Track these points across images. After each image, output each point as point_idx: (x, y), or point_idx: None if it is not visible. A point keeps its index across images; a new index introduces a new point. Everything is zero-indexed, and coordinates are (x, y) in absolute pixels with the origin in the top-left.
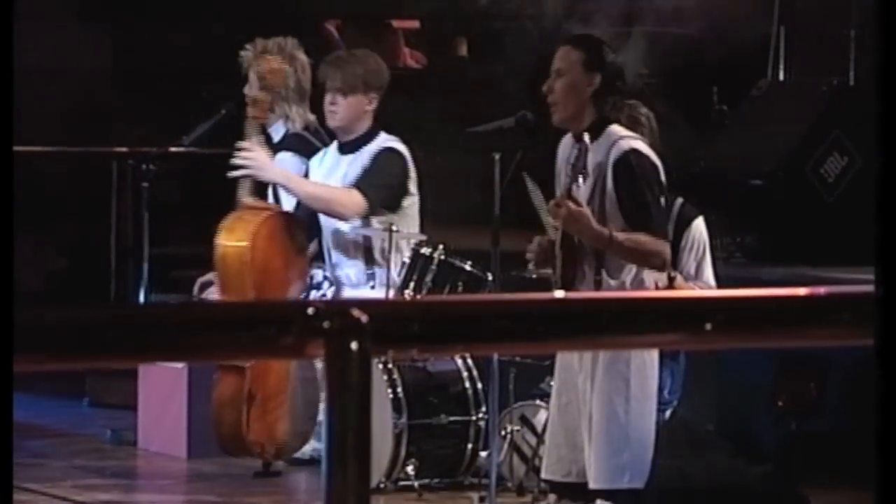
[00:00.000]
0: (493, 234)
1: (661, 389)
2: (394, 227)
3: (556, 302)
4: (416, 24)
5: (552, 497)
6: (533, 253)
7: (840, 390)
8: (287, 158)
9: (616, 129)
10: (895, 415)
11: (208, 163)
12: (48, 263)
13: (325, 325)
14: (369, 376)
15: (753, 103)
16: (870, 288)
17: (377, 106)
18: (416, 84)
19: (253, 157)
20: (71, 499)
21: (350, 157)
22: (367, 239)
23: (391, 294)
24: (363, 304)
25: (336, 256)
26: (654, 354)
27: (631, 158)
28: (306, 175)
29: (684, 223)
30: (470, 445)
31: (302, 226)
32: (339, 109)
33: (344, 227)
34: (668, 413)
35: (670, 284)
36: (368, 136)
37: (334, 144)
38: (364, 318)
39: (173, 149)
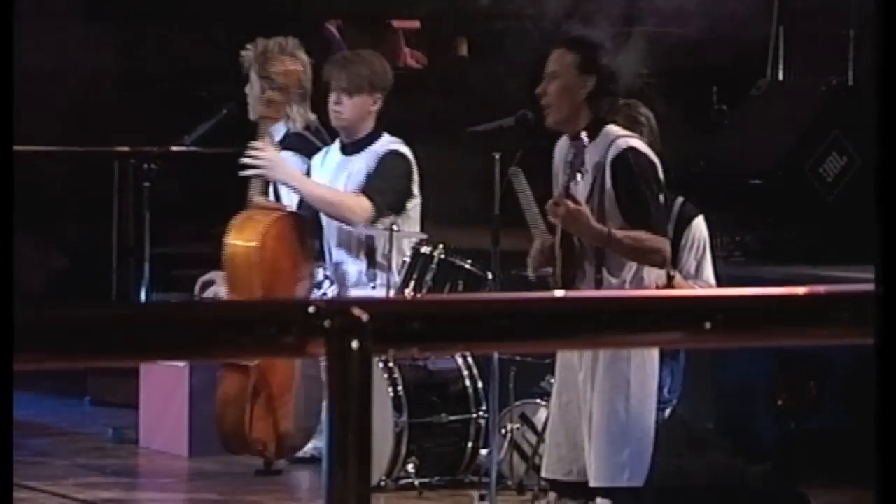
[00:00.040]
0: (493, 233)
1: (660, 388)
2: (394, 227)
3: (556, 301)
4: (416, 24)
5: (552, 495)
6: (533, 257)
7: (839, 389)
8: (288, 158)
9: (613, 128)
10: (895, 414)
11: (210, 162)
12: (50, 262)
13: (326, 324)
14: (370, 375)
15: (753, 103)
16: (869, 287)
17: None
18: (417, 84)
19: (265, 157)
20: (72, 497)
21: (353, 157)
22: (369, 238)
23: (392, 293)
24: (364, 303)
25: (337, 255)
26: (655, 353)
27: (629, 156)
28: (307, 174)
29: (685, 222)
30: (470, 444)
31: (310, 227)
32: (343, 110)
33: (345, 225)
34: (667, 412)
35: (669, 283)
36: (371, 137)
37: (336, 144)
38: (365, 317)
39: (175, 148)
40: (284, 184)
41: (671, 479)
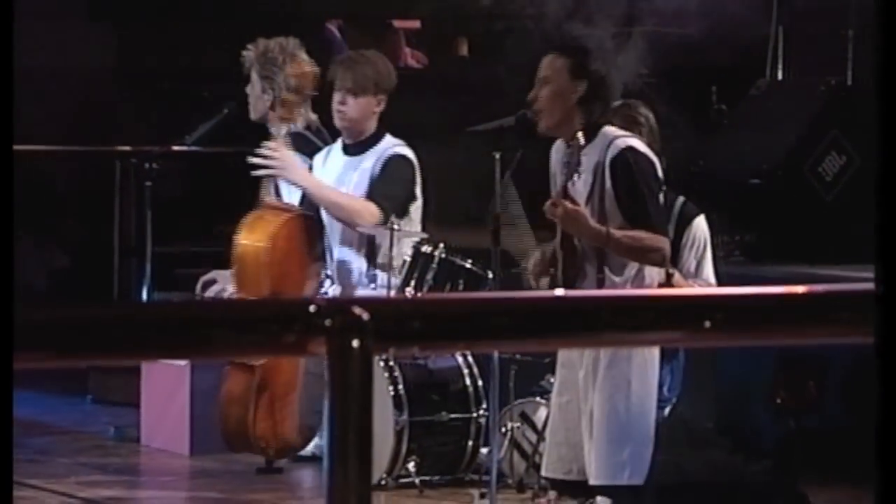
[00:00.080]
0: (493, 232)
1: (660, 386)
2: (395, 226)
3: (556, 300)
4: (416, 24)
5: (552, 493)
6: (533, 266)
7: (839, 388)
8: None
9: (611, 129)
10: (895, 412)
11: (211, 162)
12: (52, 261)
13: (327, 322)
14: (370, 374)
15: (752, 103)
16: (868, 286)
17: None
18: (417, 84)
19: (279, 157)
20: (74, 495)
21: (356, 158)
22: (370, 238)
23: (392, 292)
24: (364, 302)
25: (339, 254)
26: (655, 352)
27: (628, 156)
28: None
29: (685, 221)
30: (470, 442)
31: (319, 229)
32: (348, 110)
33: (347, 225)
34: (667, 410)
35: (668, 281)
36: (374, 138)
37: (338, 144)
38: (365, 316)
39: (176, 148)
40: (296, 185)
41: (671, 478)
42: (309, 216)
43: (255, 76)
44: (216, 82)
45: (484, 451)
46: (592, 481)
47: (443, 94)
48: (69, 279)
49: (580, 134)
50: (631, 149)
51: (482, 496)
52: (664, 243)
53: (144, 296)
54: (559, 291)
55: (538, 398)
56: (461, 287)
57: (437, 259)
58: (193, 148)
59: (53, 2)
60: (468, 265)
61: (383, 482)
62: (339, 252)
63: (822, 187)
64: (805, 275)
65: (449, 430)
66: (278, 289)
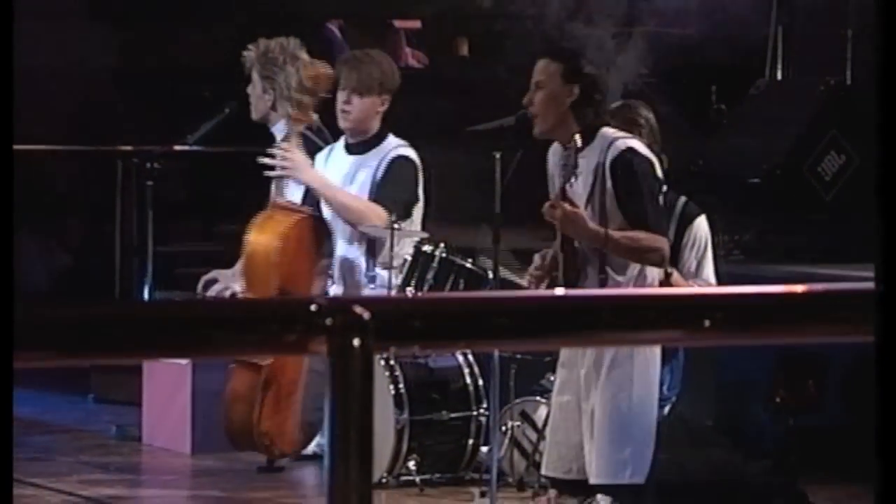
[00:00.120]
0: (493, 231)
1: (660, 385)
2: (396, 226)
3: (556, 299)
4: (417, 24)
5: (552, 492)
6: (533, 271)
7: (838, 386)
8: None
9: (609, 130)
10: (894, 411)
11: (212, 161)
12: (54, 261)
13: (328, 321)
14: (371, 373)
15: (752, 103)
16: (868, 285)
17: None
18: (418, 84)
19: (291, 159)
20: (76, 494)
21: (358, 157)
22: (370, 237)
23: (393, 292)
24: (365, 301)
25: (340, 253)
26: (657, 351)
27: (628, 157)
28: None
29: (686, 221)
30: (471, 441)
31: (328, 230)
32: (353, 109)
33: (348, 225)
34: (666, 409)
35: (667, 280)
36: (377, 138)
37: (341, 143)
38: (366, 315)
39: (177, 147)
40: (307, 186)
41: (671, 476)
42: (318, 217)
43: (255, 76)
44: (217, 82)
45: (484, 449)
46: (594, 480)
47: (443, 94)
48: (71, 278)
49: (577, 136)
50: (631, 150)
51: (482, 495)
52: (663, 243)
53: (146, 295)
54: (559, 291)
55: (538, 397)
56: (462, 286)
57: (437, 258)
58: (195, 148)
59: (54, 1)
60: (468, 265)
61: (384, 481)
62: (340, 251)
63: (821, 187)
64: (804, 274)
65: (449, 428)
66: (287, 288)
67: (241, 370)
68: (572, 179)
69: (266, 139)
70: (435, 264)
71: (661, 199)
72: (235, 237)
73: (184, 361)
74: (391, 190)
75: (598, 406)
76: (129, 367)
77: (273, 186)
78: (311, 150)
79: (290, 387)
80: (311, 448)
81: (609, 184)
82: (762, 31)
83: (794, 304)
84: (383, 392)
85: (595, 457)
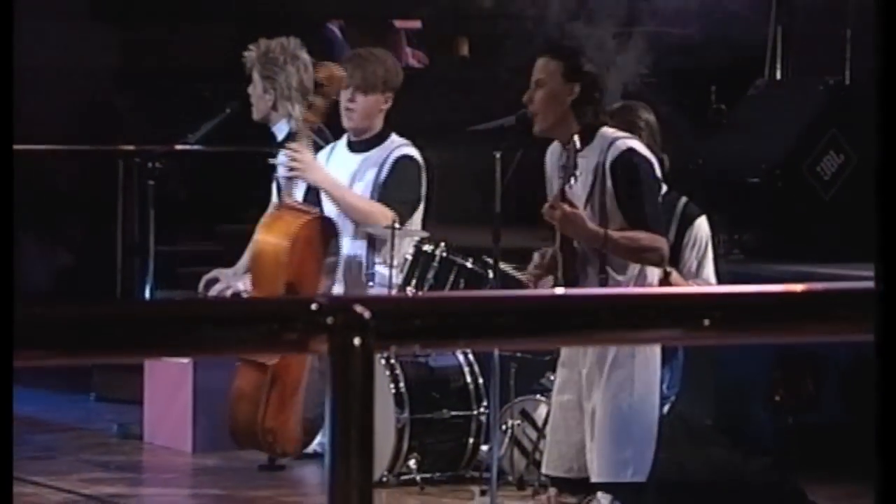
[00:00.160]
0: (493, 231)
1: (660, 384)
2: (396, 225)
3: (556, 298)
4: (418, 24)
5: (552, 491)
6: (533, 268)
7: (836, 385)
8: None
9: (609, 130)
10: (894, 410)
11: (213, 161)
12: (55, 260)
13: (329, 321)
14: (372, 372)
15: (751, 102)
16: (867, 284)
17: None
18: (419, 84)
19: (300, 159)
20: (77, 492)
21: (361, 155)
22: (371, 236)
23: (394, 291)
24: (366, 300)
25: (343, 250)
26: (657, 350)
27: (628, 157)
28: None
29: (687, 222)
30: (471, 440)
31: (336, 231)
32: (357, 107)
33: (350, 224)
34: (666, 408)
35: (666, 280)
36: (380, 137)
37: (343, 141)
38: (367, 314)
39: (179, 147)
40: (317, 186)
41: (671, 474)
42: (327, 218)
43: (256, 76)
44: (218, 82)
45: (484, 448)
46: (595, 478)
47: (444, 94)
48: (73, 277)
49: (576, 137)
50: (631, 150)
51: (483, 493)
52: (662, 243)
53: (147, 294)
54: (559, 290)
55: (538, 396)
56: (462, 285)
57: (437, 258)
58: (196, 147)
59: (56, 1)
60: (469, 264)
61: (385, 479)
62: (344, 249)
63: (820, 186)
64: (803, 273)
65: (450, 427)
66: (294, 288)
67: (247, 369)
68: (571, 180)
69: (267, 139)
70: (435, 264)
71: (660, 199)
72: (236, 236)
73: (185, 360)
74: (397, 190)
75: (600, 405)
76: (131, 365)
77: (282, 187)
78: (313, 150)
79: (295, 386)
80: (312, 447)
81: (609, 184)
82: (761, 32)
83: (793, 303)
84: (384, 391)
85: (596, 456)
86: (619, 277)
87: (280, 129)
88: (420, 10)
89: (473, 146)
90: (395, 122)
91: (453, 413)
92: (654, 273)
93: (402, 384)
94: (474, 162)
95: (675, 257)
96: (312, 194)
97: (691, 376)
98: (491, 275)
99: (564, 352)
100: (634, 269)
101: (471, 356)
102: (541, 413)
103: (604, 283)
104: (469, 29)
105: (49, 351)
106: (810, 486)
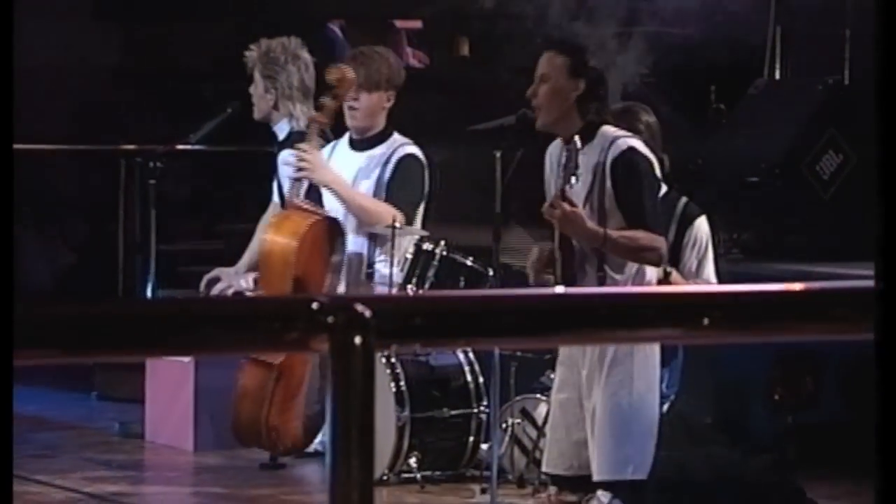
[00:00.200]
0: (494, 230)
1: (659, 383)
2: (397, 224)
3: (556, 297)
4: (418, 24)
5: (553, 489)
6: (532, 263)
7: (835, 384)
8: (291, 155)
9: (610, 129)
10: (894, 409)
11: (214, 160)
12: (57, 259)
13: (330, 319)
14: (373, 370)
15: (750, 102)
16: (865, 283)
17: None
18: (419, 83)
19: (309, 160)
20: (79, 490)
21: (364, 154)
22: (371, 235)
23: (394, 290)
24: (367, 299)
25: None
26: (657, 349)
27: (629, 157)
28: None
29: (687, 221)
30: (471, 438)
31: (342, 231)
32: (361, 105)
33: (350, 223)
34: (666, 406)
35: (665, 279)
36: (382, 135)
37: (344, 139)
38: (367, 313)
39: (180, 147)
40: (326, 187)
41: (670, 473)
42: (334, 219)
43: (257, 76)
44: (219, 82)
45: (484, 447)
46: (596, 477)
47: (444, 94)
48: (74, 277)
49: (577, 138)
50: (632, 149)
51: (483, 492)
52: (661, 243)
53: (149, 293)
54: (559, 289)
55: (539, 394)
56: (462, 284)
57: (438, 257)
58: (197, 147)
59: (59, 1)
60: (469, 263)
61: (385, 478)
62: (348, 247)
63: (819, 185)
64: (802, 272)
65: (450, 426)
66: (301, 287)
67: (252, 367)
68: (572, 180)
69: (269, 139)
70: (436, 262)
71: (659, 199)
72: (237, 235)
73: (186, 359)
74: (403, 190)
75: (600, 404)
76: (133, 364)
77: (290, 186)
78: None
79: (298, 383)
80: (313, 445)
81: (608, 183)
82: (761, 32)
83: (793, 302)
84: (384, 389)
85: (596, 454)
86: (617, 276)
87: (281, 129)
88: (420, 10)
89: (474, 146)
90: (396, 122)
91: (454, 411)
92: (651, 272)
93: (402, 383)
94: (474, 161)
95: (675, 257)
96: (314, 193)
97: (691, 375)
98: (491, 273)
99: (563, 350)
100: (632, 268)
101: (471, 355)
102: (541, 412)
103: (602, 282)
104: (469, 29)
105: (51, 350)
106: (810, 484)
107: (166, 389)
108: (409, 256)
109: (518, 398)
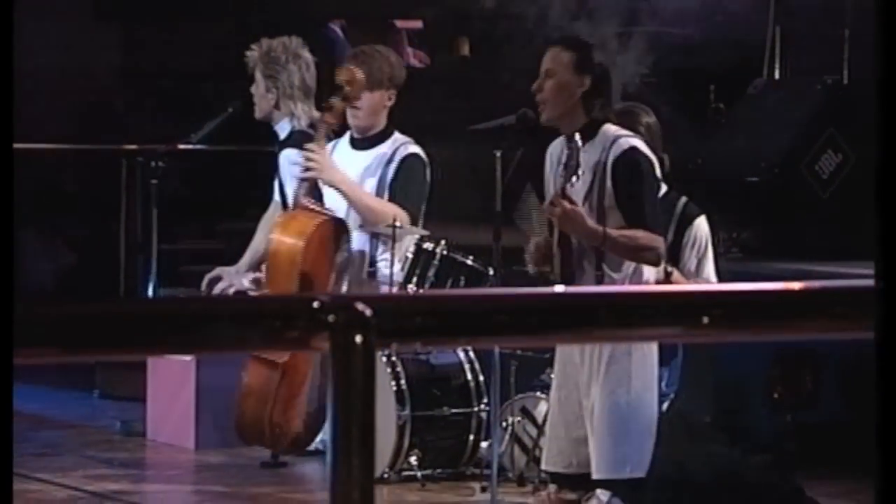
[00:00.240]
0: (494, 229)
1: (658, 382)
2: (397, 223)
3: (556, 296)
4: (419, 24)
5: (552, 487)
6: (531, 254)
7: (835, 382)
8: (292, 155)
9: (612, 127)
10: (893, 407)
11: (216, 160)
12: (59, 258)
13: (330, 318)
14: (373, 369)
15: (750, 102)
16: (864, 282)
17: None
18: (420, 83)
19: (317, 160)
20: (81, 489)
21: (365, 153)
22: (373, 234)
23: (395, 289)
24: (367, 298)
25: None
26: (654, 347)
27: (630, 156)
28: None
29: (687, 221)
30: (472, 437)
31: (348, 232)
32: (363, 104)
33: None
34: (665, 405)
35: (667, 279)
36: (383, 134)
37: (345, 139)
38: (368, 312)
39: (181, 146)
40: (333, 187)
41: (670, 471)
42: (340, 220)
43: (258, 76)
44: (220, 81)
45: (485, 445)
46: (595, 475)
47: (445, 93)
48: (76, 276)
49: (577, 136)
50: (634, 149)
51: (483, 490)
52: (659, 243)
53: (150, 292)
54: (559, 288)
55: (538, 393)
56: (462, 283)
57: (438, 256)
58: (199, 146)
59: (60, 2)
60: (469, 262)
61: (386, 476)
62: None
63: (818, 185)
64: (802, 271)
65: (450, 424)
66: (307, 287)
67: (257, 365)
68: (573, 178)
69: (269, 138)
70: (436, 261)
71: (658, 198)
72: (238, 235)
73: (188, 358)
74: (408, 190)
75: (598, 402)
76: (134, 363)
77: (297, 186)
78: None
79: (302, 382)
80: (314, 444)
81: (608, 182)
82: (760, 32)
83: (792, 301)
84: (385, 388)
85: (595, 452)
86: (615, 275)
87: (282, 128)
88: (421, 10)
89: (474, 145)
90: (397, 122)
91: (454, 410)
92: (649, 272)
93: (403, 381)
94: (475, 161)
95: (674, 257)
96: (315, 192)
97: (690, 374)
98: (492, 272)
99: (561, 348)
100: (629, 267)
101: (471, 353)
102: (541, 410)
103: (600, 281)
104: (470, 29)
105: (53, 348)
106: (809, 483)
107: (168, 388)
108: (410, 256)
109: (518, 397)
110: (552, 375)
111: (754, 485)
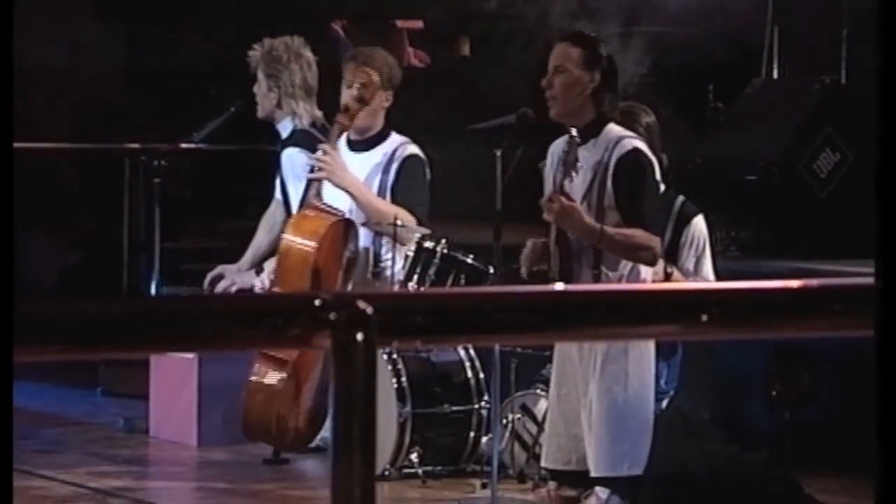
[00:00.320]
0: (494, 228)
1: (657, 379)
2: (398, 222)
3: (556, 294)
4: (419, 24)
5: (552, 484)
6: (526, 255)
7: (833, 380)
8: (294, 154)
9: (615, 127)
10: (893, 406)
11: (218, 159)
12: (63, 257)
13: (332, 316)
14: (374, 367)
15: (748, 101)
16: (862, 280)
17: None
18: (420, 83)
19: (328, 161)
20: (84, 485)
21: (363, 154)
22: (374, 234)
23: (396, 287)
24: (368, 296)
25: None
26: (651, 345)
27: (633, 157)
28: (312, 169)
29: (685, 220)
30: (472, 434)
31: (356, 231)
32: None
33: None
34: (664, 403)
35: (666, 279)
36: (381, 135)
37: (343, 139)
38: (369, 310)
39: (184, 145)
40: (344, 189)
41: (668, 468)
42: (350, 221)
43: (260, 75)
44: (223, 81)
45: (485, 441)
46: (593, 473)
47: (445, 93)
48: (80, 274)
49: (574, 131)
50: (637, 150)
51: (483, 486)
52: (656, 242)
53: (153, 290)
54: (559, 286)
55: (538, 390)
56: (463, 282)
57: (439, 254)
58: (201, 145)
59: (63, 1)
60: (470, 260)
61: (387, 473)
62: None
63: (816, 184)
64: (800, 270)
65: (451, 421)
66: (317, 286)
67: (265, 362)
68: (573, 174)
69: (271, 137)
70: (437, 260)
71: (657, 199)
72: (241, 233)
73: (190, 355)
74: (411, 192)
75: (595, 400)
76: (137, 361)
77: (307, 187)
78: (315, 148)
79: (307, 380)
80: (316, 441)
81: (609, 182)
82: (759, 31)
83: (790, 299)
84: (386, 386)
85: (593, 450)
86: (611, 274)
87: (284, 127)
88: (421, 10)
89: (474, 145)
90: (397, 121)
91: (454, 407)
92: (646, 271)
93: (404, 379)
94: (475, 160)
95: (672, 256)
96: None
97: (689, 371)
98: (492, 271)
99: (559, 346)
100: (626, 266)
101: (472, 351)
102: (541, 407)
103: (597, 279)
104: (470, 29)
105: (56, 346)
106: (807, 479)
107: (170, 385)
108: (411, 254)
109: (518, 394)
110: (552, 372)
111: (752, 481)
